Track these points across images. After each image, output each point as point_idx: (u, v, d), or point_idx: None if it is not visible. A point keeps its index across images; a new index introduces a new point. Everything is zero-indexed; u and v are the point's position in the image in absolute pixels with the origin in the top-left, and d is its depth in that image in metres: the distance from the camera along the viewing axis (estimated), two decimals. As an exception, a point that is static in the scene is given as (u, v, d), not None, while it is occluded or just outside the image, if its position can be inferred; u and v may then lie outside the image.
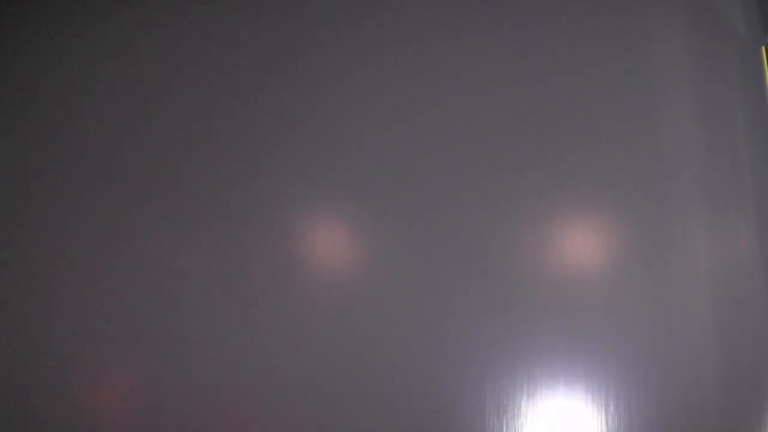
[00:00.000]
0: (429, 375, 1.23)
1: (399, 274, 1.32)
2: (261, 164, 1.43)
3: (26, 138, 1.57)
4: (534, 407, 1.19)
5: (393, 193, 1.37)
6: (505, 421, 1.19)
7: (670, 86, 1.30)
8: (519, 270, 1.26)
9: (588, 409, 1.17)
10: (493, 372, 1.21)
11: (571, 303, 1.23)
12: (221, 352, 1.37)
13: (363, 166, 1.41)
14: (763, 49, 1.36)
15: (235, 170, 1.45)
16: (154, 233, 1.46)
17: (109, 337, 1.44)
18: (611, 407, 1.17)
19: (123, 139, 1.52)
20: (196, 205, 1.45)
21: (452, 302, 1.27)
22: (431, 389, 1.22)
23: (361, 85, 1.44)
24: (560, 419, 1.18)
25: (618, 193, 1.28)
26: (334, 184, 1.40)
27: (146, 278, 1.44)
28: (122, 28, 1.59)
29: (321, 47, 1.49)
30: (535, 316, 1.23)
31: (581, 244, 1.24)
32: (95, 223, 1.48)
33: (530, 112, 1.36)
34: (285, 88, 1.48)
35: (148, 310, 1.42)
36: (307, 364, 1.31)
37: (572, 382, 1.18)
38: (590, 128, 1.32)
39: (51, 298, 1.47)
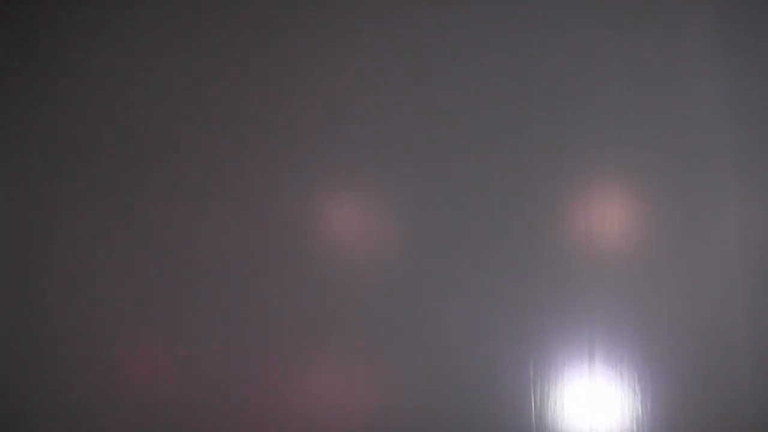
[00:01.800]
0: (470, 357, 1.22)
1: (438, 258, 1.29)
2: (282, 159, 1.41)
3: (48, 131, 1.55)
4: (569, 388, 1.17)
5: (425, 175, 1.33)
6: (542, 399, 1.18)
7: (705, 70, 1.25)
8: (557, 254, 1.23)
9: (619, 390, 1.15)
10: (532, 354, 1.20)
11: (607, 285, 1.20)
12: (241, 340, 1.35)
13: (390, 154, 1.37)
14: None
15: (256, 165, 1.42)
16: (180, 222, 1.44)
17: (136, 322, 1.42)
18: (642, 388, 1.16)
19: (149, 136, 1.50)
20: (220, 199, 1.43)
21: (492, 287, 1.25)
22: (472, 371, 1.22)
23: (380, 81, 1.39)
24: (594, 399, 1.16)
25: (653, 176, 1.23)
26: (363, 175, 1.36)
27: (172, 265, 1.42)
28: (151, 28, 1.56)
29: (333, 48, 1.44)
30: (573, 299, 1.21)
31: (619, 229, 1.21)
32: (126, 215, 1.49)
33: (565, 92, 1.31)
34: (302, 87, 1.43)
35: (173, 296, 1.40)
36: (340, 349, 1.30)
37: (606, 364, 1.17)
38: (623, 110, 1.28)
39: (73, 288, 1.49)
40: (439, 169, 1.33)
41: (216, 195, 1.43)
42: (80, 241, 1.49)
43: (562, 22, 1.33)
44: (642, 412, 1.16)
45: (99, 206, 1.50)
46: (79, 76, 1.55)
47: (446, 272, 1.28)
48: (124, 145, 1.50)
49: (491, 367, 1.21)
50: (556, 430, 1.18)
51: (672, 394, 1.15)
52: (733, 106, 1.25)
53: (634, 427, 1.16)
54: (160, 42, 1.53)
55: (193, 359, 1.35)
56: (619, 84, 1.29)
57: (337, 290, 1.32)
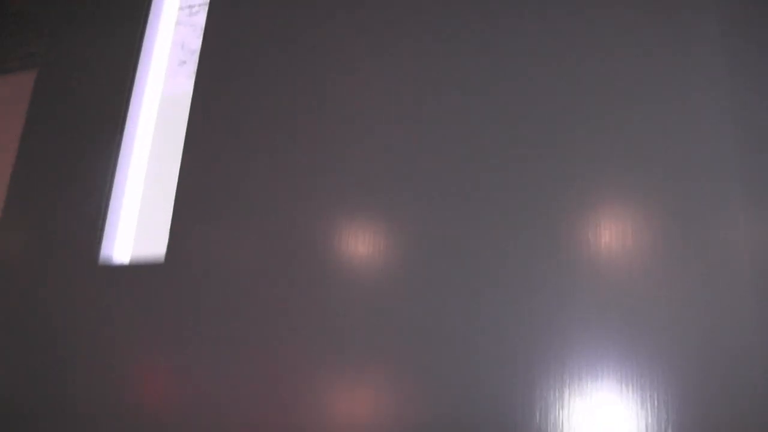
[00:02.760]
0: (479, 370, 1.23)
1: (447, 270, 1.32)
2: (302, 174, 1.45)
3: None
4: (581, 399, 1.19)
5: (443, 189, 1.36)
6: (552, 412, 1.18)
7: (708, 79, 1.26)
8: (567, 268, 1.25)
9: (633, 403, 1.16)
10: (541, 367, 1.20)
11: (616, 298, 1.22)
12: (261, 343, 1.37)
13: (406, 164, 1.40)
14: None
15: (276, 180, 1.47)
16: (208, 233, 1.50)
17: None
18: (656, 401, 1.15)
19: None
20: (240, 214, 1.47)
21: (507, 299, 1.27)
22: (481, 384, 1.23)
23: (393, 92, 1.42)
24: (607, 411, 1.18)
25: (661, 187, 1.26)
26: (382, 191, 1.41)
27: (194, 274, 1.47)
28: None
29: (347, 65, 1.47)
30: (582, 313, 1.22)
31: (630, 242, 1.22)
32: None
33: (570, 101, 1.33)
34: (318, 105, 1.47)
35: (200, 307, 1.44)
36: (356, 356, 1.32)
37: (618, 376, 1.17)
38: (627, 119, 1.29)
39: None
40: (456, 183, 1.37)
41: (235, 211, 1.48)
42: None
43: (573, 39, 1.35)
44: (659, 424, 1.15)
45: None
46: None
47: (463, 284, 1.31)
48: None
49: (508, 379, 1.22)
50: None
51: (689, 406, 1.15)
52: (738, 120, 1.27)
53: None
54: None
55: (211, 372, 1.38)
56: (631, 101, 1.32)
57: (356, 303, 1.35)
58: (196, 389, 1.32)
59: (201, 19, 3.43)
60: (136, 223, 1.69)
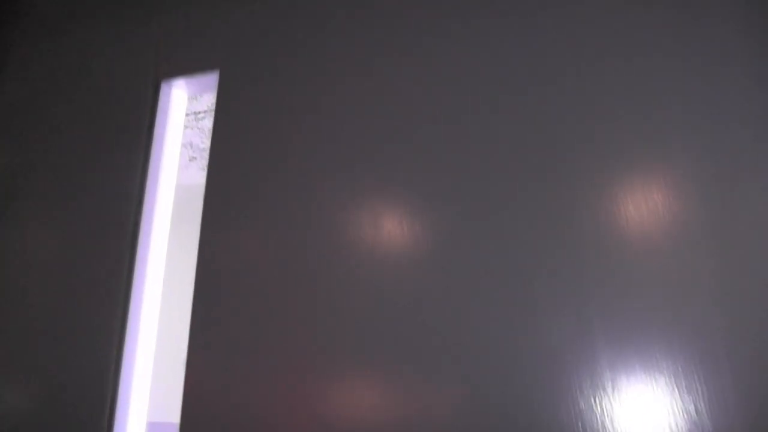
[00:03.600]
0: (519, 362, 1.19)
1: (479, 268, 1.27)
2: (323, 170, 1.45)
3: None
4: (620, 389, 1.13)
5: (463, 183, 1.33)
6: (591, 403, 1.14)
7: (735, 62, 1.23)
8: (599, 254, 1.20)
9: (672, 393, 1.11)
10: (580, 357, 1.16)
11: (654, 287, 1.16)
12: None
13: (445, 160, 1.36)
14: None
15: (300, 176, 1.46)
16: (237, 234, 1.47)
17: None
18: (694, 389, 1.10)
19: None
20: (262, 210, 1.46)
21: (530, 289, 1.22)
22: (521, 376, 1.19)
23: (416, 93, 1.43)
24: (646, 400, 1.12)
25: (696, 168, 1.19)
26: (422, 185, 1.37)
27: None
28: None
29: (371, 66, 1.49)
30: (618, 303, 1.17)
31: (664, 231, 1.18)
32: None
33: (594, 91, 1.30)
34: (342, 100, 1.49)
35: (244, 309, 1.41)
36: (381, 358, 1.28)
37: (656, 367, 1.12)
38: (651, 104, 1.26)
39: None
40: (476, 173, 1.34)
41: (256, 207, 1.48)
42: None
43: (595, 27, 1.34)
44: (696, 414, 1.09)
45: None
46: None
47: (485, 279, 1.26)
48: None
49: (533, 372, 1.18)
50: None
51: (726, 396, 1.08)
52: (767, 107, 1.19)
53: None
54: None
55: (229, 365, 1.40)
56: (654, 79, 1.27)
57: (375, 299, 1.33)
58: (224, 396, 1.44)
59: (207, 123, 3.83)
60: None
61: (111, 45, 1.78)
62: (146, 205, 1.58)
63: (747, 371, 1.07)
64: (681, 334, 1.12)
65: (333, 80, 1.52)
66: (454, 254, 1.29)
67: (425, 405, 1.23)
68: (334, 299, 1.35)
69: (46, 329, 1.59)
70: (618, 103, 1.27)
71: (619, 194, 1.22)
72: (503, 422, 1.16)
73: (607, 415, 1.12)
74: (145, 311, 1.58)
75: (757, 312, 1.09)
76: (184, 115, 3.04)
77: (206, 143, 3.87)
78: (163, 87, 1.71)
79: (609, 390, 1.13)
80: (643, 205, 1.20)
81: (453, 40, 1.45)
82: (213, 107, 3.62)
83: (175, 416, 4.06)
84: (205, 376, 1.40)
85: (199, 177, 4.43)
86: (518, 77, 1.36)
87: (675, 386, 1.10)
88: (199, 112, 3.71)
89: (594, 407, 1.13)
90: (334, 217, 1.40)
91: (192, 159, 4.22)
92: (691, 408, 1.09)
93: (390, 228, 1.36)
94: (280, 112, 1.53)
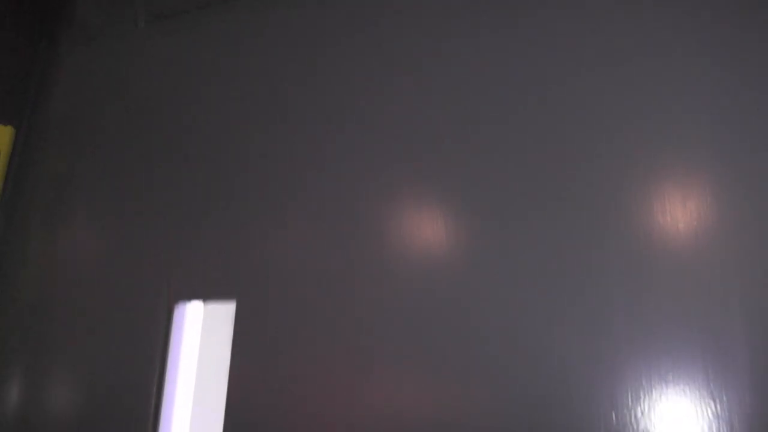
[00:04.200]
0: (545, 369, 1.18)
1: (515, 268, 1.27)
2: (359, 171, 1.47)
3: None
4: (647, 403, 1.12)
5: (496, 184, 1.34)
6: (623, 412, 1.13)
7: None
8: (632, 258, 1.19)
9: (703, 403, 1.09)
10: (617, 365, 1.14)
11: (682, 297, 1.14)
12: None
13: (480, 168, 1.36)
14: None
15: (335, 178, 1.49)
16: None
17: None
18: (725, 399, 1.08)
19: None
20: (299, 210, 1.49)
21: (562, 294, 1.21)
22: (545, 383, 1.17)
23: (447, 93, 1.44)
24: (676, 411, 1.10)
25: (740, 171, 1.17)
26: (435, 189, 1.39)
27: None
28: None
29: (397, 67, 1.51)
30: (644, 306, 1.15)
31: (694, 240, 1.17)
32: (215, 225, 1.58)
33: (623, 93, 1.29)
34: (372, 103, 1.51)
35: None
36: (424, 357, 1.28)
37: (688, 376, 1.11)
38: (678, 108, 1.25)
39: None
40: (508, 174, 1.33)
41: (296, 207, 1.51)
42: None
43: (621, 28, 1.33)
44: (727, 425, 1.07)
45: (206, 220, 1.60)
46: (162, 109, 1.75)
47: (521, 279, 1.26)
48: (212, 170, 1.64)
49: (564, 377, 1.17)
50: None
51: (758, 408, 1.06)
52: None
53: None
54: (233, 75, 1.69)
55: (267, 363, 1.42)
56: (689, 80, 1.26)
57: (409, 299, 1.33)
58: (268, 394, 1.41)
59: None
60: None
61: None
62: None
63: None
64: (717, 345, 1.10)
65: (368, 88, 1.54)
66: (496, 257, 1.29)
67: (458, 408, 1.22)
68: (373, 303, 1.36)
69: (91, 336, 1.62)
70: (646, 106, 1.27)
71: (653, 200, 1.21)
72: (536, 427, 1.16)
73: (641, 424, 1.11)
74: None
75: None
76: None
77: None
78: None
79: (641, 399, 1.12)
80: (678, 212, 1.19)
81: (477, 49, 1.46)
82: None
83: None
84: (247, 384, 1.42)
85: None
86: (548, 82, 1.36)
87: (711, 399, 1.08)
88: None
89: (627, 416, 1.12)
90: (375, 221, 1.42)
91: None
92: (716, 419, 1.07)
93: (428, 233, 1.37)
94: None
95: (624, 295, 1.18)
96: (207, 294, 1.58)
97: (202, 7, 1.84)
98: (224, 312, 1.54)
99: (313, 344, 1.39)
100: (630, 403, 1.12)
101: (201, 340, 1.59)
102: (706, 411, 1.08)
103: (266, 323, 1.45)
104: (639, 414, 1.12)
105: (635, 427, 1.11)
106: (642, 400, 1.12)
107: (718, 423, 1.07)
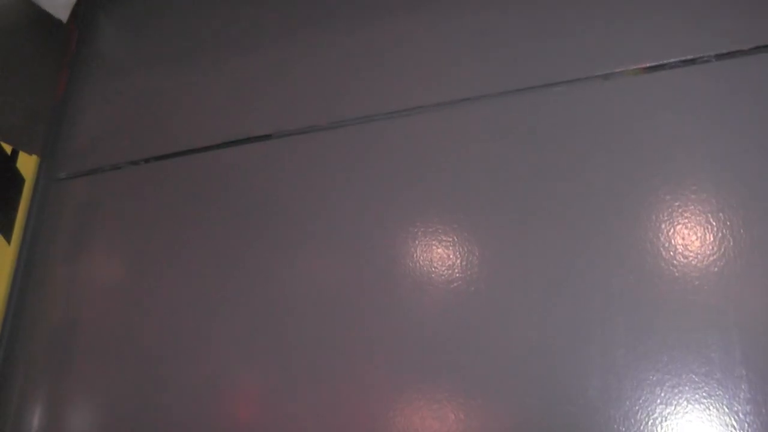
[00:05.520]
0: (571, 373, 1.20)
1: (535, 280, 1.29)
2: (376, 198, 1.49)
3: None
4: (680, 412, 1.12)
5: (520, 200, 1.36)
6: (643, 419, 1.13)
7: None
8: (650, 273, 1.20)
9: (734, 410, 1.09)
10: (639, 375, 1.15)
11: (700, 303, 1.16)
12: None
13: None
14: None
15: (351, 207, 1.52)
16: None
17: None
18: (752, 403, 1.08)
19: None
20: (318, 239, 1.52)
21: (595, 309, 1.22)
22: (573, 386, 1.19)
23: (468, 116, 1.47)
24: (698, 416, 1.11)
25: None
26: (460, 211, 1.40)
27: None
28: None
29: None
30: (667, 316, 1.17)
31: (710, 247, 1.18)
32: (231, 266, 1.62)
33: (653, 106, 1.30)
34: (390, 129, 1.55)
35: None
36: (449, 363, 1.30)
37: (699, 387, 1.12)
38: (690, 133, 1.27)
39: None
40: (529, 190, 1.36)
41: (316, 236, 1.54)
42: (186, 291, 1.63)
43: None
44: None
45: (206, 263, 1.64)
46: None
47: (550, 296, 1.27)
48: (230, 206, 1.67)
49: (605, 390, 1.18)
50: None
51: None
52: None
53: None
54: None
55: (296, 397, 1.43)
56: (710, 102, 1.27)
57: (440, 320, 1.35)
58: (283, 412, 1.43)
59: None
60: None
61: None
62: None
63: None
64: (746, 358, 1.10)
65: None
66: (516, 267, 1.31)
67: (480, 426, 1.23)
68: (391, 324, 1.38)
69: (115, 360, 1.65)
70: (665, 117, 1.29)
71: (680, 207, 1.22)
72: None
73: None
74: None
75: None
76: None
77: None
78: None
79: (668, 409, 1.12)
80: (701, 221, 1.20)
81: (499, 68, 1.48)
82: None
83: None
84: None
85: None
86: (569, 94, 1.38)
87: (738, 408, 1.08)
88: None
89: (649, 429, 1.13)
90: (390, 244, 1.44)
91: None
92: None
93: (443, 250, 1.38)
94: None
95: (657, 315, 1.19)
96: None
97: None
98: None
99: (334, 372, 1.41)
100: (652, 417, 1.14)
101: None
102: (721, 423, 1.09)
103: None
104: (648, 428, 1.13)
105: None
106: (669, 409, 1.13)
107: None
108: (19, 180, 1.90)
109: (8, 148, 1.87)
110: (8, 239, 1.85)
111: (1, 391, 1.78)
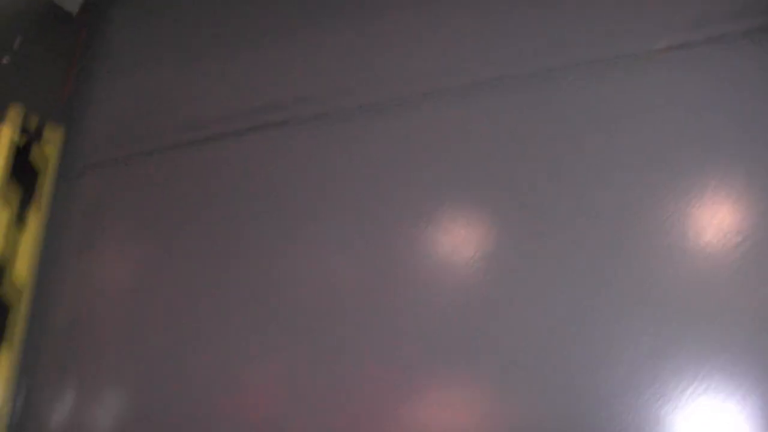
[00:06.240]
0: (592, 371, 1.19)
1: (551, 274, 1.27)
2: (396, 193, 1.47)
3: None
4: (697, 399, 1.12)
5: (539, 199, 1.33)
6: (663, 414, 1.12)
7: None
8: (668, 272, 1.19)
9: (739, 413, 1.09)
10: (659, 369, 1.14)
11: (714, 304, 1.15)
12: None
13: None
14: None
15: (375, 197, 1.50)
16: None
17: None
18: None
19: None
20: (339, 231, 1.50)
21: (616, 301, 1.21)
22: (595, 384, 1.18)
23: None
24: (719, 413, 1.10)
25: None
26: (479, 206, 1.39)
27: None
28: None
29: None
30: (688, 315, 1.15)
31: (732, 248, 1.16)
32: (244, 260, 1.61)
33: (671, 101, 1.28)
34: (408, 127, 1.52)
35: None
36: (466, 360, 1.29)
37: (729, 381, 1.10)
38: (709, 130, 1.25)
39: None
40: (550, 189, 1.33)
41: (337, 227, 1.51)
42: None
43: None
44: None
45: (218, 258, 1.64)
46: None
47: (569, 290, 1.26)
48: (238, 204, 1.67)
49: (625, 387, 1.17)
50: None
51: None
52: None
53: None
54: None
55: (311, 390, 1.41)
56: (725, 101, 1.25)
57: (460, 314, 1.33)
58: (293, 404, 1.43)
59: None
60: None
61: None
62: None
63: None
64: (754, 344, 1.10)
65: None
66: (531, 262, 1.30)
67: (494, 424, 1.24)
68: (415, 317, 1.37)
69: (127, 355, 1.66)
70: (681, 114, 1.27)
71: (705, 210, 1.20)
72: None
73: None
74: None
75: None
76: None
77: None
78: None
79: (691, 406, 1.12)
80: (724, 222, 1.18)
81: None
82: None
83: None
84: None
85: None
86: (588, 90, 1.35)
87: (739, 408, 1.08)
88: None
89: (672, 422, 1.12)
90: (394, 241, 1.44)
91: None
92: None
93: (465, 246, 1.37)
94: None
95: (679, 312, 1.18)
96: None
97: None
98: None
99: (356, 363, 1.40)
100: (675, 409, 1.13)
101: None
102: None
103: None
104: (667, 423, 1.12)
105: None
106: (691, 406, 1.12)
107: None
108: (32, 173, 1.89)
109: (21, 142, 1.86)
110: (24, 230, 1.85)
111: (20, 380, 1.79)
